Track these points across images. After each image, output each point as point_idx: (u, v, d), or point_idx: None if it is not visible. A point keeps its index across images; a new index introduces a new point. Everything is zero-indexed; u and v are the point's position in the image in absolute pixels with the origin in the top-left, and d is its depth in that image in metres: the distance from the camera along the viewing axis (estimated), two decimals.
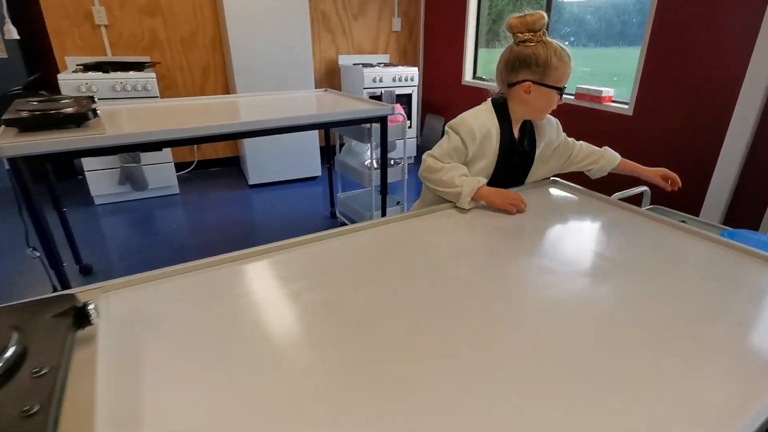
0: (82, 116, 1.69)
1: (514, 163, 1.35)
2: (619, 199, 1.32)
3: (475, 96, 4.04)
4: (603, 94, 3.03)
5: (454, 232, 1.10)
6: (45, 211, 1.63)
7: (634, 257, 0.97)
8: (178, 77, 3.70)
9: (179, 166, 3.92)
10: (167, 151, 3.32)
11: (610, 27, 3.07)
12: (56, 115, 1.64)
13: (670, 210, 2.13)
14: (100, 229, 2.91)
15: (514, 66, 1.23)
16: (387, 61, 4.46)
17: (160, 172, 3.33)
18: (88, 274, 2.34)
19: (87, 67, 3.13)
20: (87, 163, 3.08)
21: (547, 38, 1.19)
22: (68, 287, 1.72)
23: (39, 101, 1.83)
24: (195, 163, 3.99)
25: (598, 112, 3.05)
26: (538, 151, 1.40)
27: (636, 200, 1.67)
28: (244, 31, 3.27)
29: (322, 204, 3.29)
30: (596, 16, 2.99)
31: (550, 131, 1.41)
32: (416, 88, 4.12)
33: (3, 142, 1.46)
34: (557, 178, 1.48)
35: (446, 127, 1.29)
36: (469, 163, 1.30)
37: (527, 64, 1.20)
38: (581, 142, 1.51)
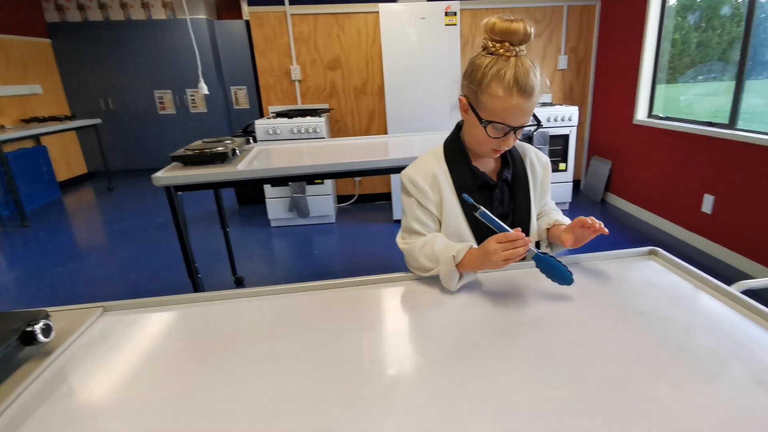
0: (223, 155, 2.16)
1: (497, 198, 1.11)
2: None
3: (648, 137, 3.53)
4: None
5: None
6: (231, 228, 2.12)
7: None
8: (348, 121, 4.26)
9: (343, 198, 4.48)
10: (328, 185, 3.84)
11: None
12: (205, 154, 2.14)
13: None
14: (266, 247, 3.54)
15: (463, 74, 1.03)
16: (549, 100, 4.25)
17: (320, 203, 3.85)
18: (240, 285, 2.87)
19: (278, 114, 3.89)
20: (267, 191, 3.79)
21: (515, 54, 0.94)
22: (199, 290, 2.19)
23: (207, 142, 2.40)
24: (356, 196, 4.47)
25: None
26: (530, 175, 1.15)
27: None
28: (398, 79, 3.60)
29: None
30: None
31: (538, 162, 1.18)
32: (575, 128, 3.81)
33: (160, 174, 1.98)
34: (659, 249, 1.13)
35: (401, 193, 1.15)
36: (444, 222, 1.10)
37: (468, 75, 1.00)
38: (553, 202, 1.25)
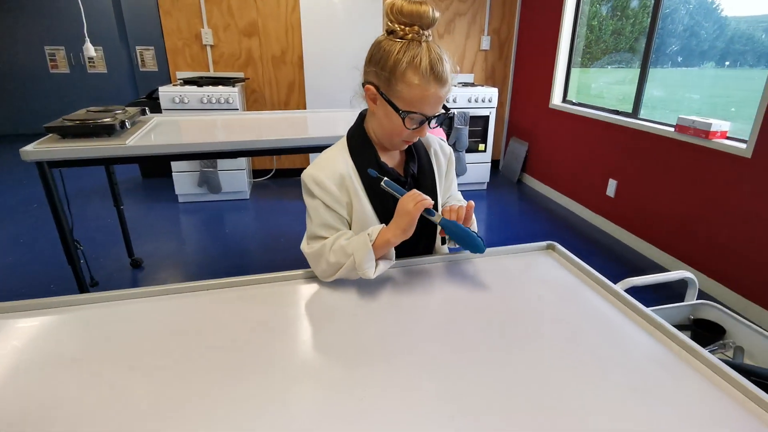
0: (110, 127, 1.91)
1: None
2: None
3: (562, 121, 3.66)
4: (712, 128, 2.44)
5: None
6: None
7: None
8: (266, 92, 4.01)
9: (259, 173, 4.25)
10: (241, 160, 3.60)
11: None
12: (87, 125, 1.87)
13: (724, 309, 1.26)
14: (171, 225, 3.27)
15: (367, 60, 0.94)
16: (470, 80, 4.28)
17: (234, 178, 3.62)
18: (137, 267, 2.62)
19: (186, 82, 3.55)
20: (174, 164, 3.48)
21: (424, 39, 0.88)
22: (79, 277, 1.96)
23: (91, 111, 2.11)
24: (273, 171, 4.27)
25: (705, 151, 2.48)
26: (435, 166, 1.10)
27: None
28: (318, 50, 3.42)
29: None
30: None
31: (441, 153, 1.13)
32: (494, 109, 3.87)
33: (30, 148, 1.71)
34: (556, 243, 1.14)
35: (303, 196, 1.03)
36: (354, 224, 1.01)
37: (376, 62, 0.90)
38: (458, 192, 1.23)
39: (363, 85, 0.96)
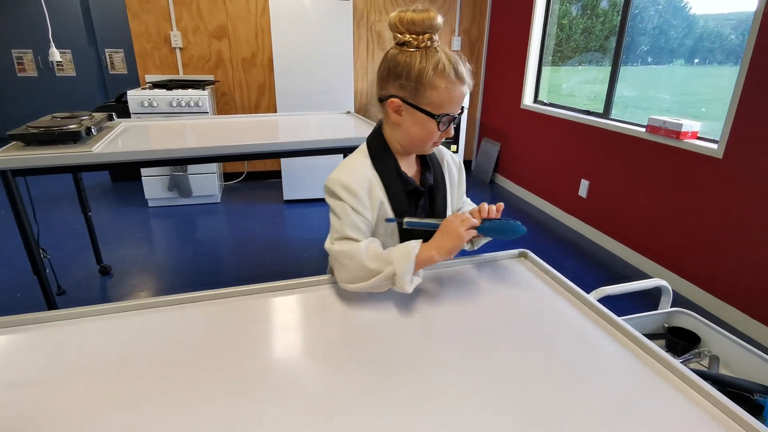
0: (75, 134, 1.88)
1: (422, 204, 1.07)
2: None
3: (533, 121, 3.73)
4: (683, 129, 2.43)
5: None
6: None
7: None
8: (237, 95, 3.99)
9: (231, 176, 4.23)
10: (212, 164, 3.57)
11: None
12: (52, 132, 1.85)
13: (699, 318, 1.26)
14: (141, 230, 3.23)
15: (384, 75, 0.96)
16: None
17: (204, 182, 3.60)
18: (106, 274, 2.58)
19: (155, 85, 3.51)
20: (144, 169, 3.44)
21: (437, 45, 0.93)
22: (46, 287, 1.93)
23: (57, 118, 2.08)
24: (245, 174, 4.25)
25: (676, 152, 2.49)
26: (447, 177, 1.12)
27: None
28: (288, 52, 3.42)
29: None
30: (739, 30, 2.52)
31: (453, 164, 1.17)
32: (466, 109, 3.92)
33: None
34: (528, 251, 1.14)
35: (326, 199, 1.01)
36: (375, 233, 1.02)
37: (397, 75, 0.93)
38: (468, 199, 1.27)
39: (380, 100, 0.99)
